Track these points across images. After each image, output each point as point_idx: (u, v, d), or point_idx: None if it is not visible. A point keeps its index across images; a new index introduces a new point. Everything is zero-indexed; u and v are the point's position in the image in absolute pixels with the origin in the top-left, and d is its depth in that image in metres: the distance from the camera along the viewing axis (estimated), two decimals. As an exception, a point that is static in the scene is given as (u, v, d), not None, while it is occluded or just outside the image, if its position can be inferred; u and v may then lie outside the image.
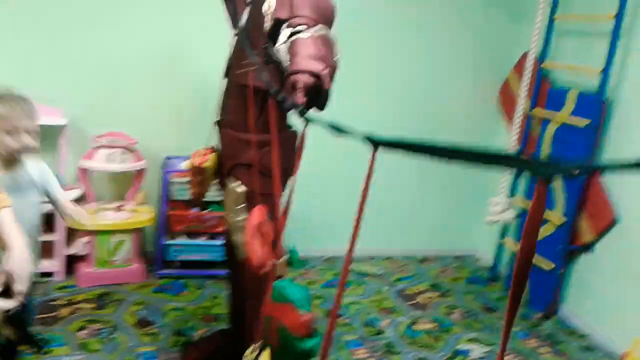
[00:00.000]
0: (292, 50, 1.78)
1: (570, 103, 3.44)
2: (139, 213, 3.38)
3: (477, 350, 3.05)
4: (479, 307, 3.57)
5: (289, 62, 1.82)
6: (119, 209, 3.36)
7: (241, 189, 2.20)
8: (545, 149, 3.62)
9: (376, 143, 0.83)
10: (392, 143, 0.79)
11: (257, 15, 2.17)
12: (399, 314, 3.35)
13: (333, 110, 1.81)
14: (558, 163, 0.58)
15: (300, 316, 1.60)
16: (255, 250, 1.84)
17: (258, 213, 2.01)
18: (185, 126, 3.58)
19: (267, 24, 2.06)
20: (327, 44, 1.82)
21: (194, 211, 3.49)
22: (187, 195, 3.41)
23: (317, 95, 1.69)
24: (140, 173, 3.44)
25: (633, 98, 3.18)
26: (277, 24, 1.99)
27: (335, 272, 3.81)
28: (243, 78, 2.17)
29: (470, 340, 3.15)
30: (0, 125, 1.87)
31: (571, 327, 3.43)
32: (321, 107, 1.73)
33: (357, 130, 0.93)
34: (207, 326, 2.97)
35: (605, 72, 3.20)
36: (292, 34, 1.84)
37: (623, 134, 3.23)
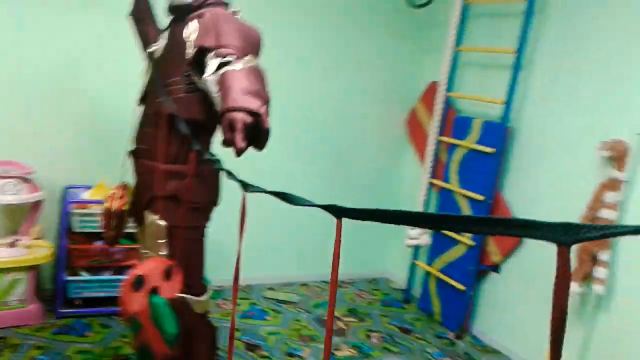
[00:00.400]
0: (224, 84, 1.69)
1: (475, 131, 3.61)
2: (35, 248, 3.09)
3: (398, 374, 3.08)
4: (396, 329, 3.61)
5: (218, 94, 1.73)
6: (12, 244, 3.05)
7: (162, 222, 2.07)
8: (453, 175, 3.75)
9: (340, 213, 0.81)
10: (356, 213, 0.77)
11: (176, 41, 2.06)
12: (319, 342, 3.30)
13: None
14: (578, 228, 0.56)
15: (165, 349, 1.84)
16: (127, 302, 1.78)
17: (147, 265, 1.92)
18: (87, 154, 3.35)
19: (190, 50, 1.96)
20: (259, 76, 1.75)
21: (98, 244, 3.25)
22: (94, 227, 3.17)
23: (256, 134, 1.62)
24: (36, 205, 3.15)
25: (533, 126, 3.38)
26: (202, 51, 1.90)
27: (251, 301, 3.70)
28: (162, 106, 2.05)
29: (391, 364, 3.18)
30: None
31: (484, 344, 3.56)
32: (261, 146, 1.66)
33: (316, 202, 0.90)
34: (118, 369, 2.76)
35: (508, 102, 3.39)
36: (221, 65, 1.76)
37: (525, 160, 3.42)
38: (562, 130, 3.22)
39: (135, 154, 2.23)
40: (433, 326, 3.72)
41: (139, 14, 2.34)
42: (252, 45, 1.87)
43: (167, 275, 1.92)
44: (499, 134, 3.44)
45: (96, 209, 3.07)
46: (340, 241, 0.86)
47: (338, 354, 3.20)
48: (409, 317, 3.83)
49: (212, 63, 1.79)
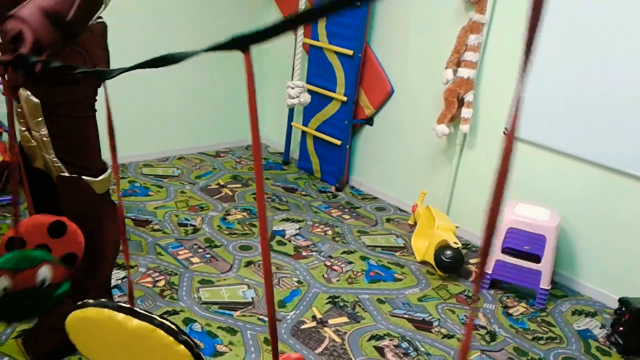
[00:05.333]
0: None
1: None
2: None
3: (291, 228, 3.21)
4: (281, 189, 3.71)
5: None
6: None
7: (34, 99, 1.83)
8: (321, 31, 3.74)
9: (246, 41, 0.63)
10: (264, 33, 0.62)
11: None
12: (209, 209, 3.30)
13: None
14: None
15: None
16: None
17: (27, 223, 1.70)
18: None
19: None
20: None
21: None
22: None
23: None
24: None
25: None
26: None
27: (129, 179, 3.55)
28: None
29: (282, 220, 3.29)
30: None
31: (362, 193, 3.80)
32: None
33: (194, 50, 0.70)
34: None
35: (374, -51, 3.36)
36: None
37: (391, 10, 3.49)
38: (426, -21, 3.30)
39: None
40: (315, 182, 3.88)
41: None
42: None
43: (55, 231, 1.37)
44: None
45: None
46: (253, 79, 0.66)
47: (230, 218, 3.24)
48: (291, 177, 3.94)
49: None
